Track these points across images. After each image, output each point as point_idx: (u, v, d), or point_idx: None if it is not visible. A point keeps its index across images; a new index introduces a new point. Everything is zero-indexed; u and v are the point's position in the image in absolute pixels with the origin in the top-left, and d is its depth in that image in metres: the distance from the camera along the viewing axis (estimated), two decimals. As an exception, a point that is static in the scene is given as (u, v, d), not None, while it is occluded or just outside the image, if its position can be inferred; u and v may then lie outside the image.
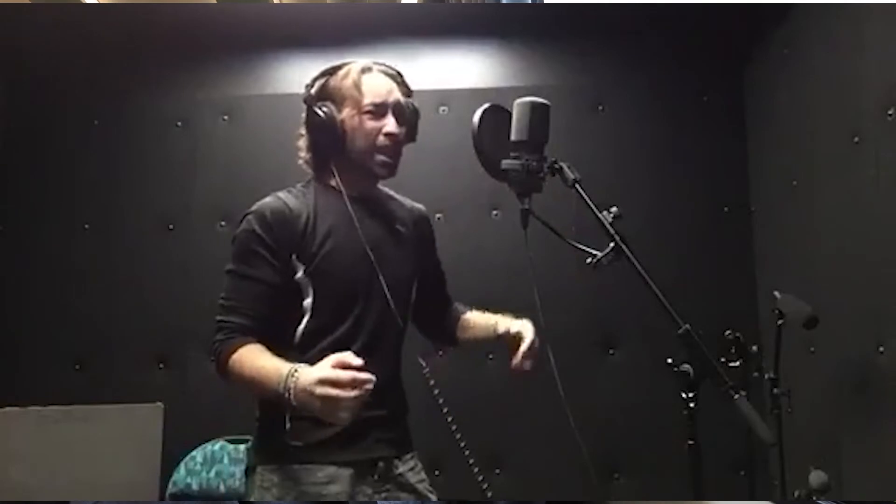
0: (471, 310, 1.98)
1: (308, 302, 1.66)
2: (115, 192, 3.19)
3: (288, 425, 1.62)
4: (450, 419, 1.74)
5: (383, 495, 1.68)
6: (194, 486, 2.76)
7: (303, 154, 1.78)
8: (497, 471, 2.98)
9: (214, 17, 3.11)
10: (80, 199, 3.18)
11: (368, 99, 1.69)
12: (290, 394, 1.43)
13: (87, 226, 3.17)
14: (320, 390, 1.38)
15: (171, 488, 2.76)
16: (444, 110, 3.20)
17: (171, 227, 3.17)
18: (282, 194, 1.71)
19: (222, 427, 2.86)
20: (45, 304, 3.12)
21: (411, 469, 1.76)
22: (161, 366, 3.08)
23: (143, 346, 3.08)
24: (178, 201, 3.17)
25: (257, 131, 3.18)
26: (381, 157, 1.71)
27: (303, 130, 1.76)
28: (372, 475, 1.67)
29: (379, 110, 1.70)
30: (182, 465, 2.79)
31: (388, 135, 1.70)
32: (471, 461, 1.75)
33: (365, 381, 1.38)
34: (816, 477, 2.10)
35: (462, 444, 1.74)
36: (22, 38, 3.14)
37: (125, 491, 2.52)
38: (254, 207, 1.68)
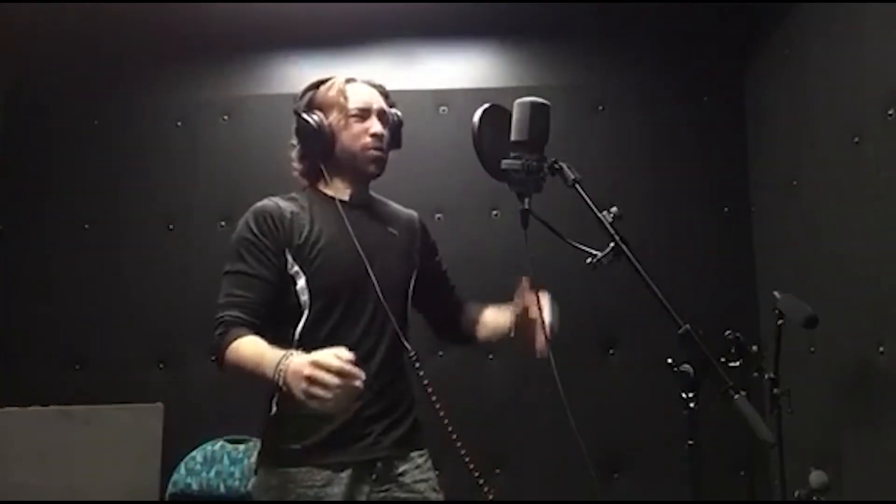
0: (485, 307, 1.96)
1: (305, 299, 1.71)
2: (115, 192, 3.19)
3: (288, 427, 1.66)
4: (446, 421, 1.72)
5: (381, 495, 1.70)
6: (194, 486, 2.76)
7: (295, 164, 1.86)
8: (497, 470, 2.99)
9: (215, 17, 3.11)
10: (80, 198, 3.19)
11: (353, 104, 1.80)
12: (280, 376, 1.46)
13: (87, 226, 3.17)
14: (309, 371, 1.40)
15: (171, 488, 2.76)
16: (443, 110, 3.20)
17: (171, 226, 3.17)
18: (274, 198, 1.79)
19: (222, 427, 2.86)
20: (46, 303, 3.12)
21: (417, 467, 1.76)
22: (161, 366, 3.08)
23: (143, 346, 3.08)
24: (178, 201, 3.17)
25: (257, 131, 3.18)
26: (370, 154, 1.79)
27: (294, 141, 1.84)
28: (370, 475, 1.69)
29: (363, 114, 1.80)
30: (182, 465, 2.79)
31: (374, 135, 1.79)
32: (470, 463, 1.73)
33: (353, 375, 1.40)
34: (816, 477, 2.11)
35: (459, 444, 1.73)
36: (22, 38, 3.14)
37: (125, 491, 2.52)
38: (247, 211, 1.77)
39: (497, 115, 1.61)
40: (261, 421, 1.75)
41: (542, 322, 1.65)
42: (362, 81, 1.85)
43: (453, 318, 1.99)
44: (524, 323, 1.73)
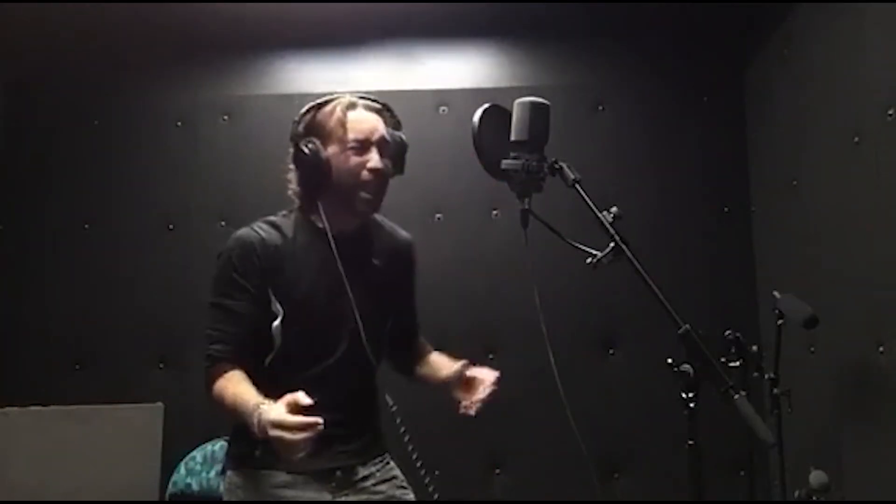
0: (435, 351, 2.00)
1: (278, 334, 1.72)
2: (115, 192, 3.19)
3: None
4: (407, 438, 1.75)
5: (343, 498, 1.73)
6: (194, 486, 2.76)
7: (292, 186, 1.80)
8: (497, 470, 2.99)
9: (215, 17, 3.11)
10: (80, 198, 3.18)
11: (352, 136, 1.72)
12: (256, 429, 1.51)
13: (87, 225, 3.17)
14: (272, 432, 1.46)
15: (170, 488, 2.76)
16: (444, 110, 3.21)
17: (171, 226, 3.17)
18: (259, 226, 1.75)
19: (222, 427, 2.86)
20: (46, 303, 3.12)
21: (378, 471, 1.80)
22: (161, 365, 3.08)
23: (143, 346, 3.08)
24: (178, 201, 3.17)
25: (257, 131, 3.18)
26: (364, 195, 1.73)
27: (291, 165, 1.78)
28: (330, 482, 1.72)
29: (363, 146, 1.72)
30: (182, 466, 2.79)
31: (371, 170, 1.72)
32: (423, 472, 1.76)
33: (311, 425, 1.44)
34: (816, 477, 2.11)
35: (415, 457, 1.75)
36: (22, 38, 3.14)
37: (125, 491, 2.52)
38: (230, 241, 1.74)
39: (497, 115, 1.61)
40: (231, 425, 1.78)
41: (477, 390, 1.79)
42: (364, 106, 1.76)
43: (404, 344, 1.97)
44: (459, 385, 1.83)
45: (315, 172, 1.71)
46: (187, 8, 3.05)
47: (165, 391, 2.87)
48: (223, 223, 3.12)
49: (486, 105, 1.62)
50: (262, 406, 1.51)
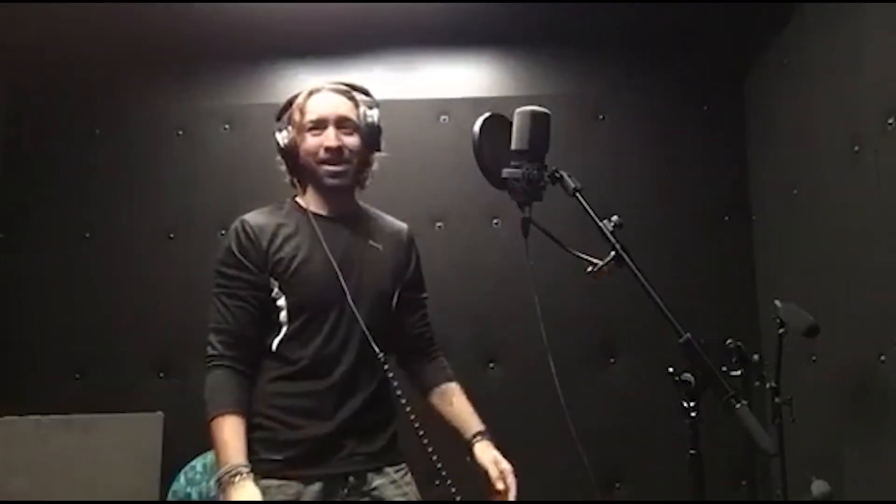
0: (457, 386, 1.96)
1: (283, 316, 1.74)
2: (116, 201, 3.19)
3: (263, 441, 1.71)
4: (421, 433, 1.73)
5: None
6: (194, 496, 2.74)
7: (284, 175, 1.90)
8: (498, 480, 2.97)
9: (216, 26, 3.12)
10: (81, 207, 3.18)
11: (308, 118, 1.80)
12: (219, 484, 1.59)
13: (87, 234, 3.17)
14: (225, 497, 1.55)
15: (170, 497, 2.75)
16: (444, 119, 3.21)
17: (171, 235, 3.17)
18: (254, 214, 1.83)
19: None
20: (46, 312, 3.11)
21: (393, 482, 1.77)
22: (161, 375, 3.08)
23: (143, 355, 3.07)
24: (178, 210, 3.17)
25: (258, 140, 3.18)
26: (326, 168, 1.80)
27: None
28: (342, 489, 1.71)
29: (319, 125, 1.80)
30: (182, 475, 2.78)
31: (328, 148, 1.78)
32: (443, 472, 1.74)
33: None
34: (818, 486, 2.10)
35: (434, 458, 1.73)
36: (23, 46, 3.15)
37: (125, 500, 2.51)
38: (227, 233, 1.81)
39: (498, 124, 1.62)
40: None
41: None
42: (329, 89, 1.83)
43: (411, 350, 1.95)
44: (485, 480, 1.84)
45: (286, 157, 1.83)
46: (188, 17, 3.06)
47: (165, 400, 2.87)
48: (223, 232, 3.11)
49: (487, 114, 1.63)
50: (240, 473, 1.59)
